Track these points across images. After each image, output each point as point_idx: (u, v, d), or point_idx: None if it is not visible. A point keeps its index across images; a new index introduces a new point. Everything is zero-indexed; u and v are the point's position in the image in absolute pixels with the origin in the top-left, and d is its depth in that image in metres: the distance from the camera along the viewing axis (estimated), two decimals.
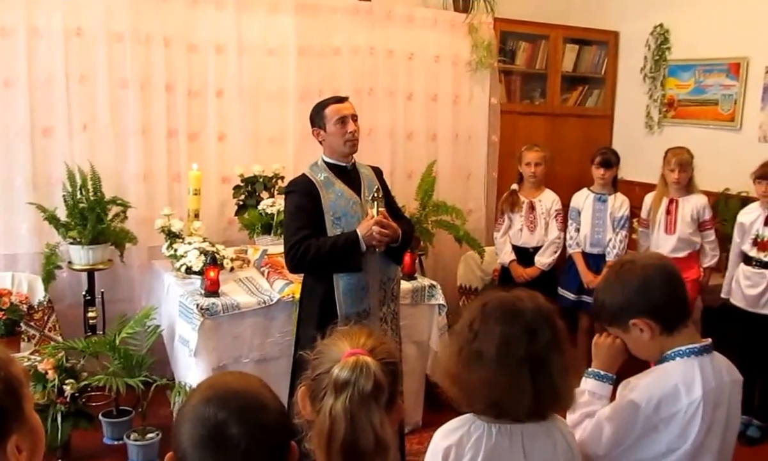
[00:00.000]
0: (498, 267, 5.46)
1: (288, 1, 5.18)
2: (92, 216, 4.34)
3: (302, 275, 3.65)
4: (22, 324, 4.30)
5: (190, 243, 4.25)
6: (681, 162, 4.83)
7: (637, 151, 6.09)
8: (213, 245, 4.27)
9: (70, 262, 4.47)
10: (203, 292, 3.94)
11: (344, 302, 3.43)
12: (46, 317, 4.47)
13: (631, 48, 6.43)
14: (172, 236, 4.40)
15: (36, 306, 4.45)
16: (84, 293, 4.54)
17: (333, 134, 3.47)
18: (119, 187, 4.68)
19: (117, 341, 4.03)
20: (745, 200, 5.09)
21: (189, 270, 4.13)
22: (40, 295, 4.46)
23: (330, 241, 3.38)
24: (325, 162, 3.55)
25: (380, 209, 3.42)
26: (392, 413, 1.60)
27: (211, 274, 3.94)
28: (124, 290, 4.81)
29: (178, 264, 4.19)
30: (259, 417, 1.34)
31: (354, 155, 3.58)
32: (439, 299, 4.42)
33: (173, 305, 4.14)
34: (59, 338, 4.38)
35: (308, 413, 1.62)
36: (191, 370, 3.79)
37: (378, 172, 3.73)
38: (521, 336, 1.79)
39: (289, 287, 4.01)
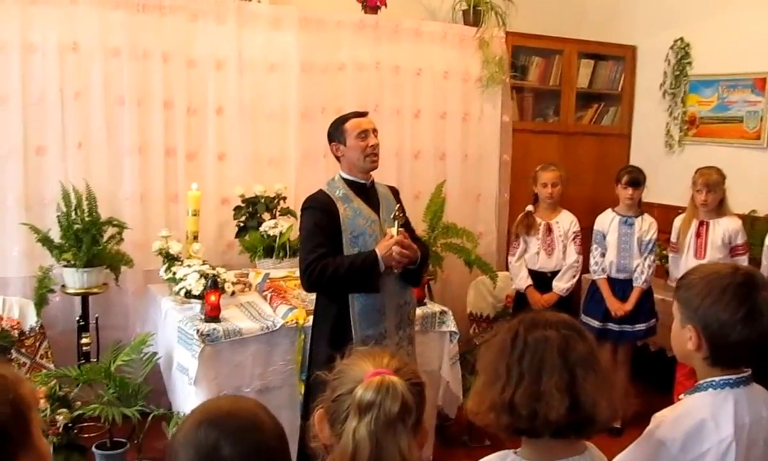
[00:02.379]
0: (511, 293, 5.30)
1: (291, 15, 5.11)
2: (87, 238, 4.25)
3: (312, 295, 3.61)
4: (12, 351, 4.25)
5: (189, 266, 4.15)
6: (708, 183, 4.70)
7: (656, 171, 5.88)
8: (213, 268, 4.15)
9: (63, 286, 4.39)
10: (203, 317, 3.87)
11: (359, 323, 3.40)
12: (38, 344, 4.38)
13: (650, 63, 6.30)
14: (170, 259, 4.31)
15: (28, 332, 4.36)
16: (77, 318, 4.45)
17: (353, 148, 3.44)
18: (115, 207, 4.61)
19: (112, 369, 3.95)
20: None
21: (188, 294, 4.02)
22: (32, 320, 4.38)
23: (348, 260, 3.34)
24: (343, 179, 3.50)
25: (400, 228, 3.35)
26: (419, 436, 1.54)
27: (212, 298, 3.86)
28: (118, 315, 4.72)
29: (177, 288, 4.09)
30: (254, 437, 1.33)
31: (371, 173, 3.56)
32: (451, 326, 4.30)
33: (171, 331, 4.05)
34: (51, 366, 4.30)
35: (326, 436, 1.57)
36: (190, 399, 3.68)
37: (394, 192, 3.72)
38: (573, 334, 1.70)
39: (292, 312, 3.92)
